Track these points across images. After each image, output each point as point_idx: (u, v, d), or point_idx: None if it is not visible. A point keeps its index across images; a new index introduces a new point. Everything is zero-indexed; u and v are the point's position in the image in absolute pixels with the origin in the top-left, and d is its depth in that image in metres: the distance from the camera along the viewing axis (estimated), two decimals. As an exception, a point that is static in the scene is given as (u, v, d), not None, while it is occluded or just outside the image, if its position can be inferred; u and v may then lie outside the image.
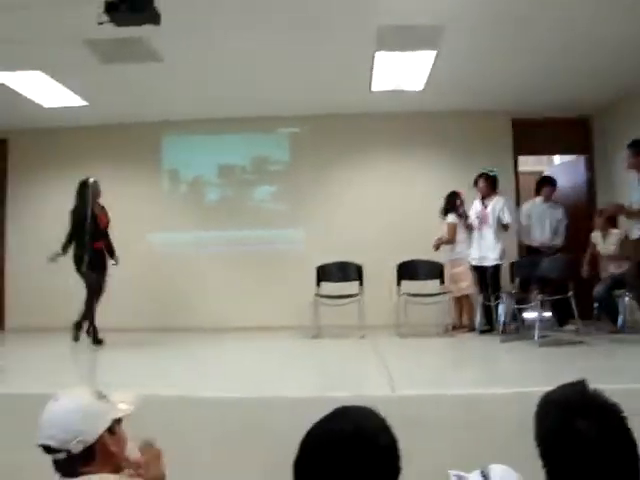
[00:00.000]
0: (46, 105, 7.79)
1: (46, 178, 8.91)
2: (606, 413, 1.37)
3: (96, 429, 1.71)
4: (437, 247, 7.44)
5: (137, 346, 6.71)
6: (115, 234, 6.95)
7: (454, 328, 7.34)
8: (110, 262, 6.86)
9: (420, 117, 8.36)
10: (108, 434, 1.74)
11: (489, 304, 7.01)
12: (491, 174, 7.31)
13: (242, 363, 5.51)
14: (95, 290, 6.68)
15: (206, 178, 8.93)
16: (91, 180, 6.74)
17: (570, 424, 1.34)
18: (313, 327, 7.01)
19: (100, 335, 6.59)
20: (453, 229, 7.44)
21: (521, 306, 6.75)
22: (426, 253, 7.40)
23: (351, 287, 7.26)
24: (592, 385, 1.44)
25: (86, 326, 6.64)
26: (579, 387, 1.44)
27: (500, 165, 7.84)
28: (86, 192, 6.68)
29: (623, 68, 6.73)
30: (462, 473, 1.63)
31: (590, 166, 8.58)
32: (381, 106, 8.14)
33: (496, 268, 7.11)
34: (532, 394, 1.55)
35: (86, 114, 8.18)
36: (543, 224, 7.46)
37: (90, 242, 6.53)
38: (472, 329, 7.18)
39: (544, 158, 10.30)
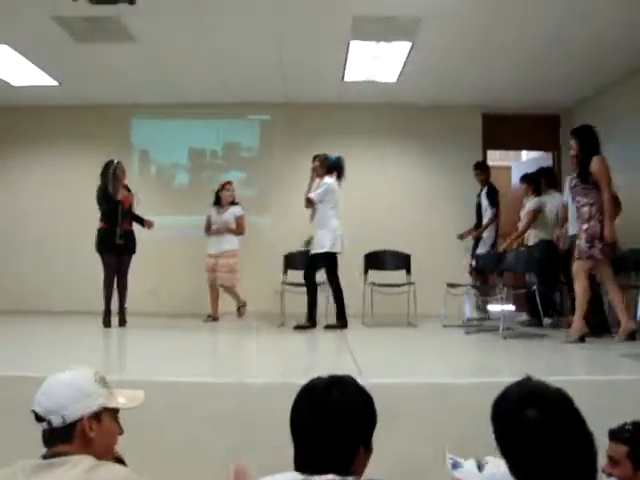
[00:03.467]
0: (15, 83, 7.66)
1: (15, 156, 8.78)
2: (553, 401, 1.40)
3: (80, 409, 1.70)
4: None
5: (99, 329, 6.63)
6: (84, 214, 6.82)
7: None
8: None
9: (392, 109, 8.41)
10: (93, 419, 1.72)
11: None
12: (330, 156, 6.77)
13: (210, 350, 5.49)
14: (112, 272, 6.68)
15: (176, 162, 8.92)
16: (115, 161, 6.75)
17: (520, 414, 1.38)
18: (279, 315, 7.02)
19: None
20: None
21: (485, 298, 6.85)
22: (393, 244, 7.51)
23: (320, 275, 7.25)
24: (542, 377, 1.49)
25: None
26: (526, 382, 1.48)
27: (470, 159, 7.92)
28: (108, 173, 6.68)
29: (592, 67, 6.85)
30: (458, 458, 1.68)
31: (557, 163, 8.69)
32: (353, 96, 8.16)
33: (314, 258, 6.68)
34: (493, 384, 1.58)
35: (56, 94, 8.08)
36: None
37: (120, 223, 6.61)
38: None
39: (511, 154, 10.44)
